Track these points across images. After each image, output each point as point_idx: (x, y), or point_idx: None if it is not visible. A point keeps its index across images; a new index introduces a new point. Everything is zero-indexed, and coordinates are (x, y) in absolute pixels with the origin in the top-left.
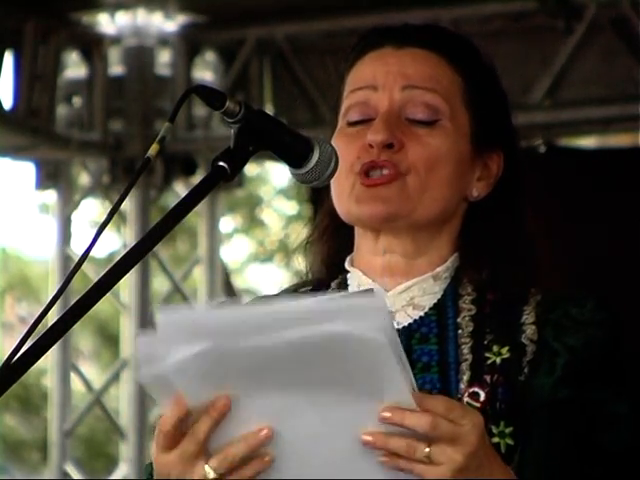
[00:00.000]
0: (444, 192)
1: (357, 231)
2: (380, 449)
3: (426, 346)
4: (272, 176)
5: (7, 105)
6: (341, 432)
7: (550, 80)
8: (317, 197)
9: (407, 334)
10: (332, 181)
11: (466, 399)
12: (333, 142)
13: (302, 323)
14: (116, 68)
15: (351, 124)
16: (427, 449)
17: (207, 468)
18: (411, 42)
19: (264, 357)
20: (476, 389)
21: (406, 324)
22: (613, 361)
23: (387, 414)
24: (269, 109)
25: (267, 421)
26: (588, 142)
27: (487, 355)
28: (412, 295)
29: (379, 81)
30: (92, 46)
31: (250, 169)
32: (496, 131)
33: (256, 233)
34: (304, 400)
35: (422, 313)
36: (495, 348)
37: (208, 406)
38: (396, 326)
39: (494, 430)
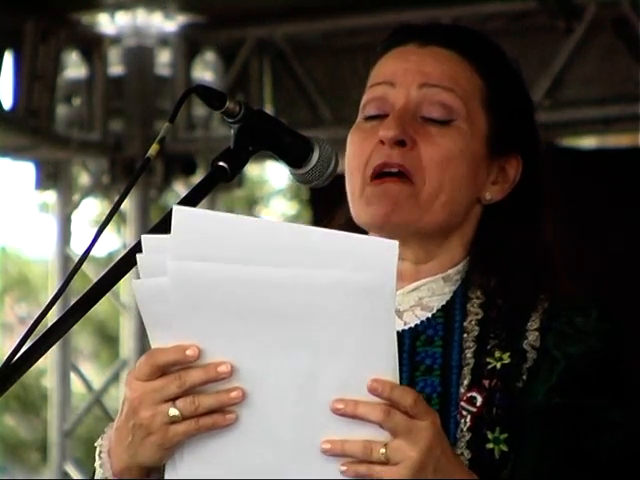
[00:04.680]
0: (454, 194)
1: (370, 235)
2: (338, 455)
3: (430, 348)
4: (272, 176)
5: (7, 105)
6: (319, 392)
7: (550, 80)
8: (317, 197)
9: (413, 335)
10: (346, 177)
11: (463, 404)
12: (350, 135)
13: (310, 260)
14: (116, 68)
15: (367, 119)
16: (383, 449)
17: (172, 408)
18: (435, 41)
19: (263, 294)
20: (474, 394)
21: (412, 325)
22: (611, 371)
23: (340, 406)
24: (269, 109)
25: (245, 367)
26: (588, 142)
27: (488, 360)
28: (421, 295)
29: (397, 78)
30: (92, 46)
31: (250, 169)
32: (515, 136)
33: None
34: (288, 349)
35: (429, 314)
36: (497, 353)
37: (210, 365)
38: (403, 326)
39: (489, 436)
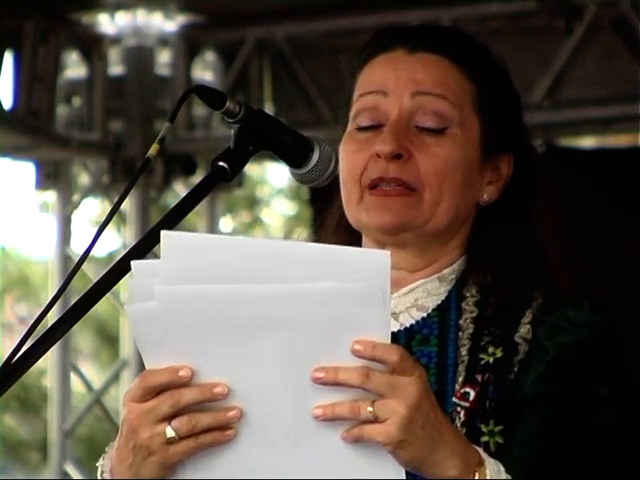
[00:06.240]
0: (455, 202)
1: (364, 238)
2: (330, 419)
3: (426, 348)
4: (272, 176)
5: (7, 105)
6: (316, 401)
7: (550, 80)
8: (317, 197)
9: (408, 335)
10: (341, 185)
11: (455, 399)
12: (342, 144)
13: (303, 274)
14: (116, 68)
15: (361, 129)
16: (370, 407)
17: (168, 428)
18: (423, 47)
19: (255, 309)
20: (467, 389)
21: (408, 325)
22: (601, 360)
23: (320, 374)
24: (269, 109)
25: (240, 383)
26: (588, 142)
27: (482, 356)
28: (416, 296)
29: (389, 86)
30: (92, 46)
31: (250, 169)
32: (506, 134)
33: (256, 233)
34: (283, 362)
35: (425, 314)
36: (490, 349)
37: (205, 385)
38: (398, 327)
39: (483, 429)
